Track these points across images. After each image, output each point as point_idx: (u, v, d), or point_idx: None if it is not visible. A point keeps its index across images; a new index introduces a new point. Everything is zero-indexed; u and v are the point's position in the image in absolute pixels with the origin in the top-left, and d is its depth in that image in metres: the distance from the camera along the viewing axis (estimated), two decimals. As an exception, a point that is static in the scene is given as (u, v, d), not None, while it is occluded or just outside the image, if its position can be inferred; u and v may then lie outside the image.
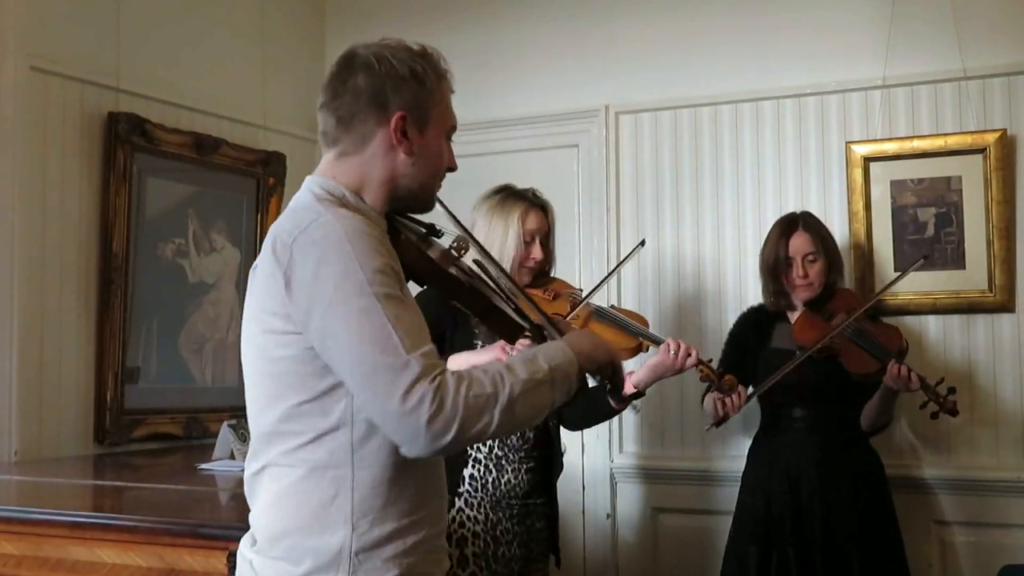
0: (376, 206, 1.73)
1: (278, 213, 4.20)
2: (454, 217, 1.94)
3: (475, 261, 1.89)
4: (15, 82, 3.30)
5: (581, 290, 3.00)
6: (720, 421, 3.15)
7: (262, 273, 1.64)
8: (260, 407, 1.67)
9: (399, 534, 1.61)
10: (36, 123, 3.38)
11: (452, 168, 1.81)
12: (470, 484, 2.70)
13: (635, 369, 2.94)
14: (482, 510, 2.67)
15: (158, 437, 3.77)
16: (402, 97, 1.70)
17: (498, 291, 1.88)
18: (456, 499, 2.68)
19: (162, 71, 3.83)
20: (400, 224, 1.79)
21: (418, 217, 1.84)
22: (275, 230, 1.65)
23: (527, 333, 1.89)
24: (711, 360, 2.95)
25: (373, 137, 1.71)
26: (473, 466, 2.71)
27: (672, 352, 2.79)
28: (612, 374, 1.81)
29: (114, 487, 3.05)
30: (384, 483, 1.60)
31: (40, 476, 3.08)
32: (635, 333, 2.90)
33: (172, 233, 3.86)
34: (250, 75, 4.22)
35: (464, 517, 2.67)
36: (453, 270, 1.82)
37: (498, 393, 1.55)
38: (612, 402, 2.29)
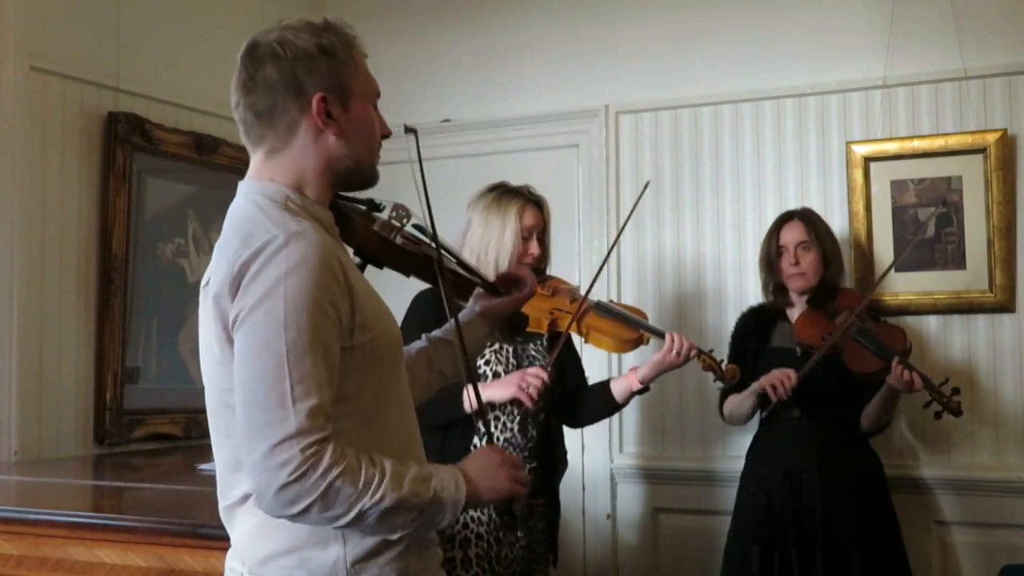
0: (320, 198, 1.65)
1: (278, 213, 4.20)
2: (422, 174, 1.84)
3: (415, 226, 1.84)
4: (15, 82, 3.30)
5: (578, 287, 3.01)
6: (774, 407, 3.17)
7: (207, 297, 1.58)
8: (224, 436, 1.61)
9: (392, 539, 1.58)
10: (36, 123, 3.38)
11: (386, 135, 1.73)
12: None
13: (638, 364, 2.97)
14: (485, 511, 2.66)
15: (158, 437, 3.76)
16: (317, 77, 1.61)
17: (444, 252, 1.85)
18: None
19: (162, 71, 3.83)
20: (344, 208, 1.74)
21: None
22: (222, 250, 1.58)
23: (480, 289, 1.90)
24: (712, 350, 2.97)
25: (298, 126, 1.62)
26: None
27: (675, 350, 2.83)
28: (508, 505, 1.70)
29: (114, 487, 3.05)
30: None
31: (40, 476, 3.08)
32: (636, 325, 2.92)
33: (172, 233, 3.86)
34: (250, 75, 4.21)
35: (467, 518, 2.65)
36: (399, 240, 1.78)
37: (364, 496, 1.47)
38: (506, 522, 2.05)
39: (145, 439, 3.71)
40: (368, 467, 1.49)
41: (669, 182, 3.98)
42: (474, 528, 2.66)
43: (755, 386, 3.23)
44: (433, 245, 1.82)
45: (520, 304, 2.04)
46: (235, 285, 1.51)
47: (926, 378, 3.08)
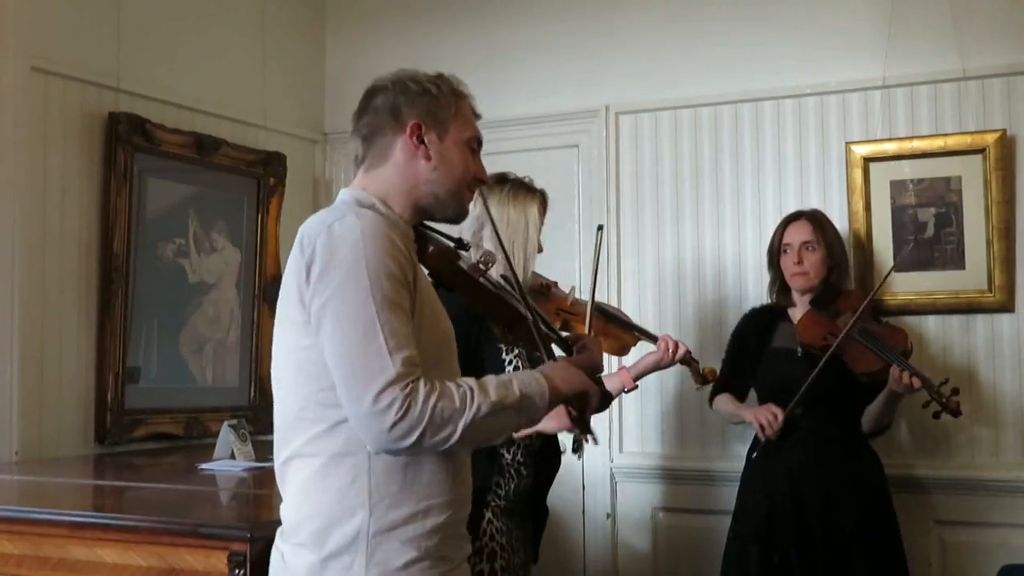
0: (404, 214, 1.81)
1: (279, 213, 4.22)
2: (495, 230, 2.11)
3: (503, 276, 2.00)
4: (15, 82, 3.31)
5: (556, 283, 3.03)
6: (765, 445, 3.21)
7: (290, 267, 1.73)
8: (284, 394, 1.75)
9: (416, 517, 1.68)
10: (36, 123, 3.39)
11: (481, 179, 1.89)
12: (495, 492, 2.62)
13: (626, 365, 3.02)
14: (503, 520, 2.65)
15: (158, 437, 3.77)
16: (416, 108, 1.80)
17: (523, 303, 1.97)
18: (485, 510, 2.59)
19: (162, 71, 3.84)
20: (428, 236, 1.87)
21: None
22: (304, 227, 1.73)
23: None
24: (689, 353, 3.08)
25: (393, 147, 1.80)
26: (500, 474, 2.63)
27: (670, 350, 2.95)
28: (582, 405, 1.87)
29: (114, 487, 3.06)
30: (398, 468, 1.67)
31: (41, 476, 3.09)
32: (632, 329, 2.99)
33: (172, 233, 3.86)
34: (250, 75, 4.22)
35: (494, 529, 2.60)
36: (483, 280, 1.93)
37: (465, 409, 1.62)
38: (574, 436, 2.18)
39: (146, 439, 3.72)
40: (457, 387, 1.64)
41: (669, 182, 3.98)
42: (498, 539, 2.63)
43: (746, 416, 3.28)
44: (514, 293, 1.98)
45: (596, 367, 2.10)
46: (310, 259, 1.66)
47: (925, 379, 3.08)
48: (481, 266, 1.94)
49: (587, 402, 1.87)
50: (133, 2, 3.73)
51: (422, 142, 1.79)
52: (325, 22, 4.61)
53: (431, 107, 1.81)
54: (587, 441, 2.01)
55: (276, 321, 1.78)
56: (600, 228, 2.91)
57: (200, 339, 3.94)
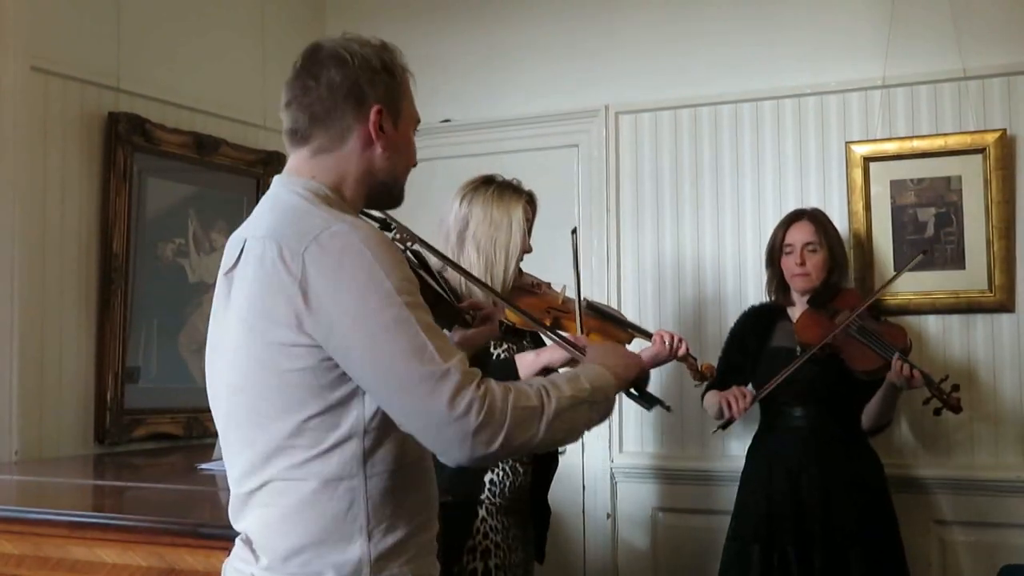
0: (355, 203, 1.70)
1: (278, 213, 4.21)
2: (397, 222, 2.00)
3: (413, 251, 1.91)
4: (15, 82, 3.30)
5: (550, 283, 3.02)
6: (727, 423, 3.18)
7: (259, 281, 1.56)
8: (263, 421, 1.58)
9: (410, 539, 1.62)
10: (36, 123, 3.38)
11: (413, 164, 1.79)
12: (489, 491, 2.65)
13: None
14: (499, 518, 2.65)
15: (158, 437, 3.77)
16: (376, 90, 1.68)
17: (436, 279, 1.93)
18: (478, 508, 2.62)
19: (162, 71, 3.83)
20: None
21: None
22: (276, 236, 1.57)
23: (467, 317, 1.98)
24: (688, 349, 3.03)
25: (351, 132, 1.68)
26: (492, 471, 2.65)
27: (667, 344, 2.87)
28: (643, 382, 1.88)
29: (114, 487, 3.06)
30: (393, 490, 1.59)
31: (40, 476, 3.08)
32: (624, 326, 2.97)
33: (172, 233, 3.86)
34: (250, 75, 4.22)
35: (487, 527, 2.62)
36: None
37: (544, 406, 1.54)
38: (642, 406, 2.14)
39: (145, 439, 3.71)
40: (526, 386, 1.56)
41: (668, 182, 3.99)
42: (493, 537, 2.64)
43: (718, 398, 3.25)
44: (428, 269, 1.91)
45: (489, 338, 2.12)
46: (303, 278, 1.51)
47: (926, 374, 3.09)
48: (399, 244, 1.85)
49: (648, 377, 1.93)
50: (133, 2, 3.73)
51: (382, 130, 1.67)
52: (325, 22, 4.60)
53: (390, 89, 1.69)
54: (665, 407, 2.08)
55: (233, 344, 1.60)
56: (574, 231, 2.85)
57: (200, 339, 3.90)
